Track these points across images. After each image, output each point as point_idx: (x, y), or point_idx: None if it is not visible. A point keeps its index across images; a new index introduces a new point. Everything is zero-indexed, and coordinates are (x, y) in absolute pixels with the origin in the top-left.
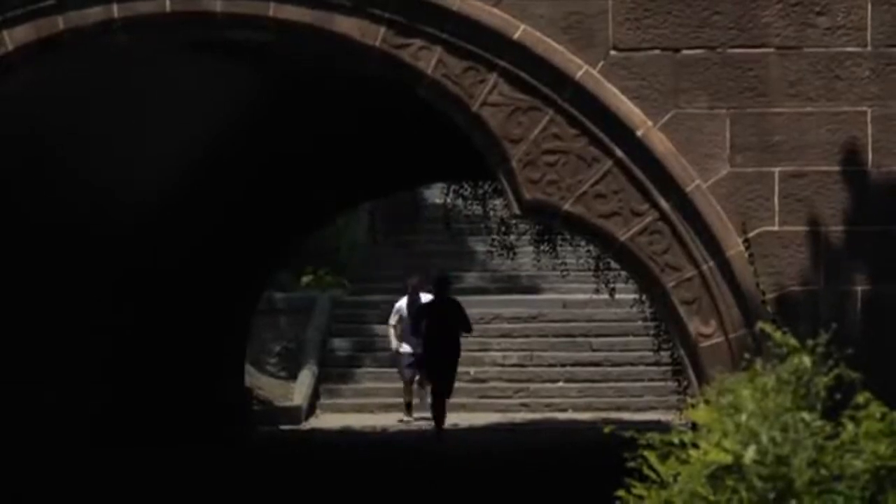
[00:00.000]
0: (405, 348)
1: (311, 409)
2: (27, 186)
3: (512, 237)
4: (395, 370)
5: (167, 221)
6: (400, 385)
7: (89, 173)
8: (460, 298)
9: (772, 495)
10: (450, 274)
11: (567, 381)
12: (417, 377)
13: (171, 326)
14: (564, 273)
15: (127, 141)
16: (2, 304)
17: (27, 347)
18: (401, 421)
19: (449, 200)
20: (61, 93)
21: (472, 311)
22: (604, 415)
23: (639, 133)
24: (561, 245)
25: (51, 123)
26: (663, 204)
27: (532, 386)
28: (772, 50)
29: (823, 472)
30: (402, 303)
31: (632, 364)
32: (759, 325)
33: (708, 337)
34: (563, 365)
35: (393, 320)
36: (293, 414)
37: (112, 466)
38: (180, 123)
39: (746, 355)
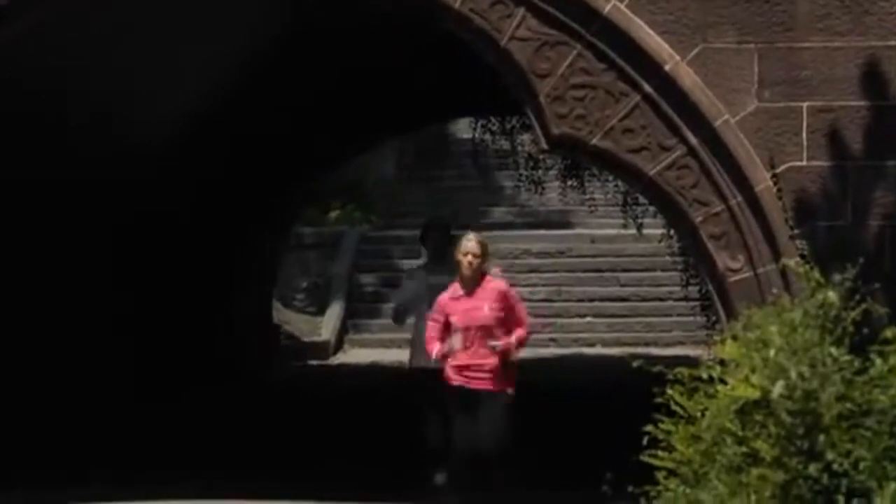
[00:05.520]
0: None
1: (339, 345)
2: (42, 127)
3: (540, 172)
4: None
5: (192, 158)
6: None
7: (108, 110)
8: (487, 234)
9: (800, 430)
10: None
11: (595, 316)
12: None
13: (199, 264)
14: (592, 208)
15: (150, 74)
16: (25, 256)
17: (54, 296)
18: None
19: (477, 135)
20: (84, 23)
21: (500, 247)
22: (632, 350)
23: (667, 67)
24: (589, 180)
25: (67, 58)
26: (691, 139)
27: (560, 321)
28: None
29: (852, 406)
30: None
31: (660, 299)
32: (785, 261)
33: (736, 272)
34: (592, 300)
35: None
36: (321, 349)
37: (144, 409)
38: (203, 57)
39: (774, 290)
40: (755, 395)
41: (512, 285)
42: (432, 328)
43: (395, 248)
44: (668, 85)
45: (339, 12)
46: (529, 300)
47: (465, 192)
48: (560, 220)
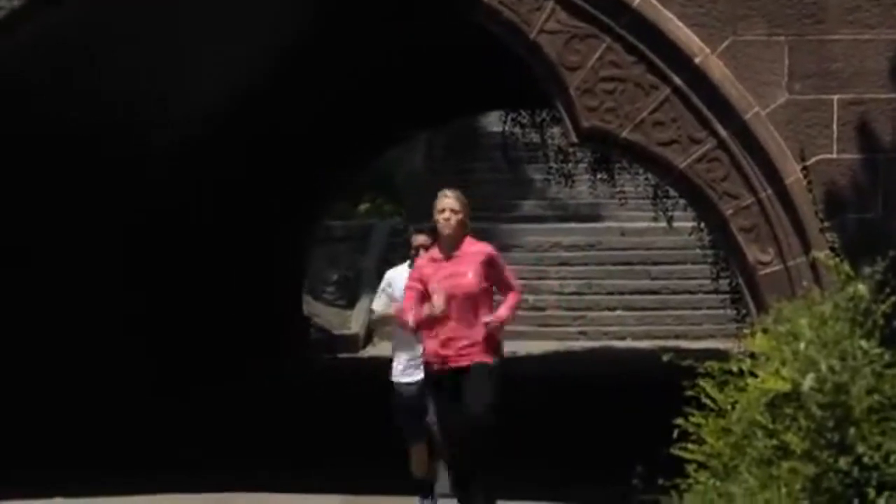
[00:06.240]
0: (405, 376)
1: (369, 338)
2: (70, 119)
3: (569, 165)
4: None
5: (219, 153)
6: None
7: (133, 105)
8: (517, 227)
9: (830, 423)
10: None
11: (625, 309)
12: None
13: (228, 258)
14: (622, 201)
15: (177, 69)
16: (59, 244)
17: (82, 287)
18: None
19: (507, 128)
20: (110, 18)
21: (529, 240)
22: (662, 343)
23: (697, 60)
24: (619, 173)
25: (75, 60)
26: (721, 131)
27: (590, 314)
28: None
29: (882, 399)
30: (397, 274)
31: (690, 292)
32: (815, 253)
33: (766, 264)
34: (622, 293)
35: (379, 303)
36: (351, 342)
37: (173, 403)
38: (232, 51)
39: (804, 283)
40: (785, 388)
41: (542, 279)
42: (409, 297)
43: None
44: (698, 78)
45: (366, 5)
46: (560, 293)
47: (494, 185)
48: (590, 214)
